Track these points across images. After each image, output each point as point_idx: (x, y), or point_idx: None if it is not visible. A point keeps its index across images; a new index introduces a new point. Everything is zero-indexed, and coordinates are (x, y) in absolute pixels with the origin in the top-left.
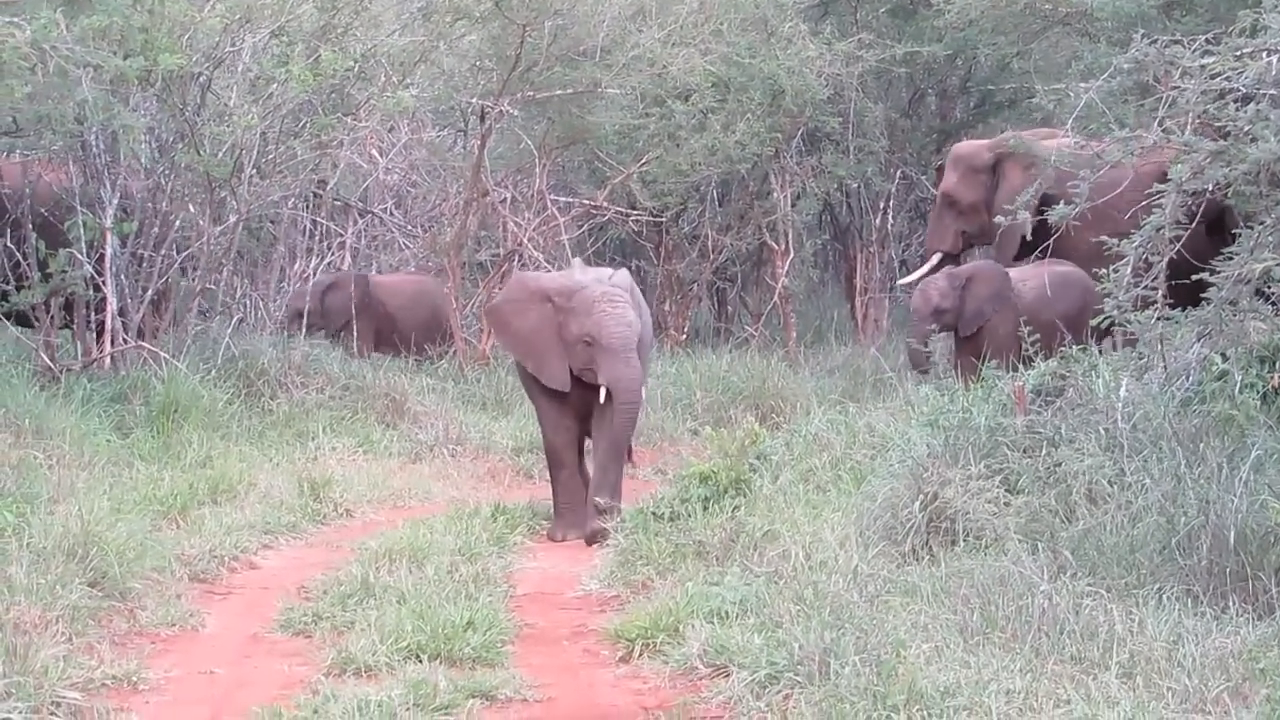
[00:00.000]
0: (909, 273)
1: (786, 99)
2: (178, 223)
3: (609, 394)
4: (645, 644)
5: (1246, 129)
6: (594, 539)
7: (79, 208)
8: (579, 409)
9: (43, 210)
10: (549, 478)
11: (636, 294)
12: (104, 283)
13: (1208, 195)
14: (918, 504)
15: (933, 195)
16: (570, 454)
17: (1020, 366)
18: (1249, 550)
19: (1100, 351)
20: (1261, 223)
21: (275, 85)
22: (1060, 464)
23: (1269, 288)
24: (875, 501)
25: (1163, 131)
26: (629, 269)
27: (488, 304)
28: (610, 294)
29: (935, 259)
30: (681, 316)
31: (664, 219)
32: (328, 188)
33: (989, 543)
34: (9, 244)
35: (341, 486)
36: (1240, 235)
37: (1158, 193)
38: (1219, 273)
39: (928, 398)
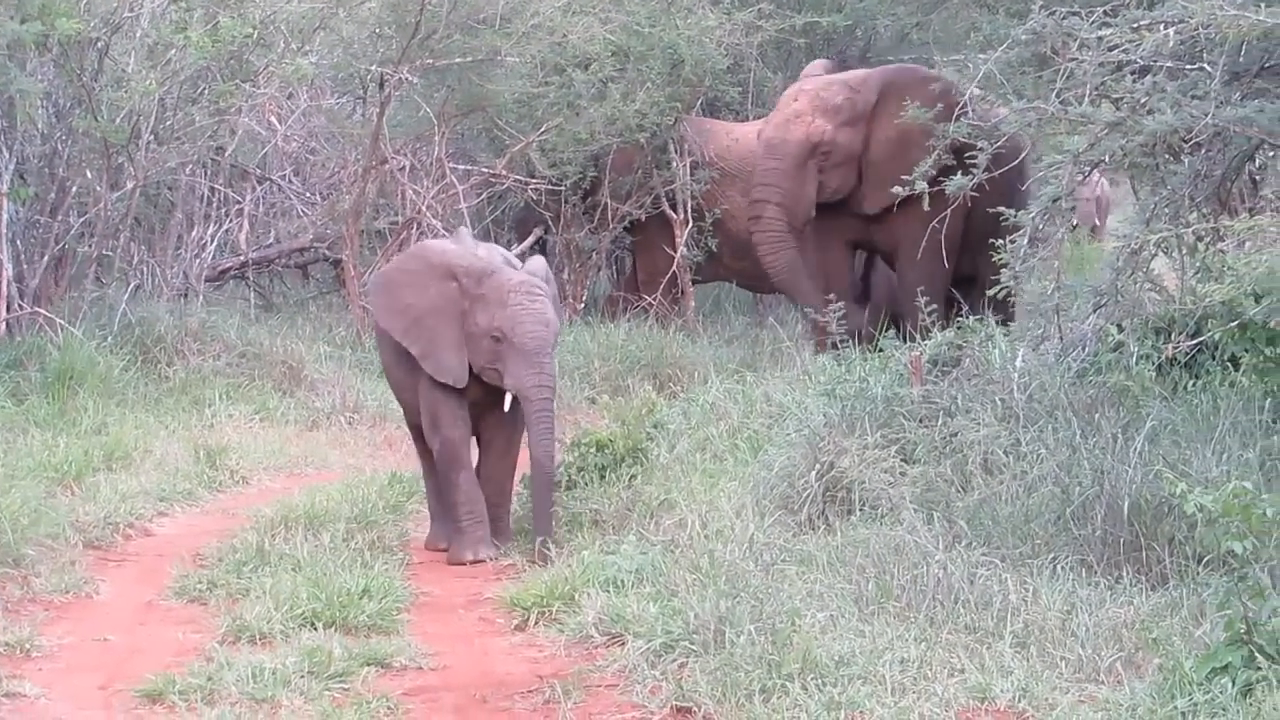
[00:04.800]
0: None
1: (686, 68)
2: (75, 189)
3: (514, 401)
4: (541, 612)
5: (1143, 101)
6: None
7: None
8: (474, 400)
9: None
10: (440, 486)
11: (552, 284)
12: None
13: None
14: (814, 473)
15: None
16: (467, 453)
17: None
18: (1143, 520)
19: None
20: (1158, 194)
21: (174, 51)
22: (956, 434)
23: (1167, 256)
24: (772, 471)
25: (1060, 103)
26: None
27: (378, 272)
28: (529, 284)
29: None
30: (580, 285)
31: (563, 187)
32: (226, 154)
33: (884, 512)
34: None
35: (238, 454)
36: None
37: None
38: (1116, 244)
39: (825, 367)
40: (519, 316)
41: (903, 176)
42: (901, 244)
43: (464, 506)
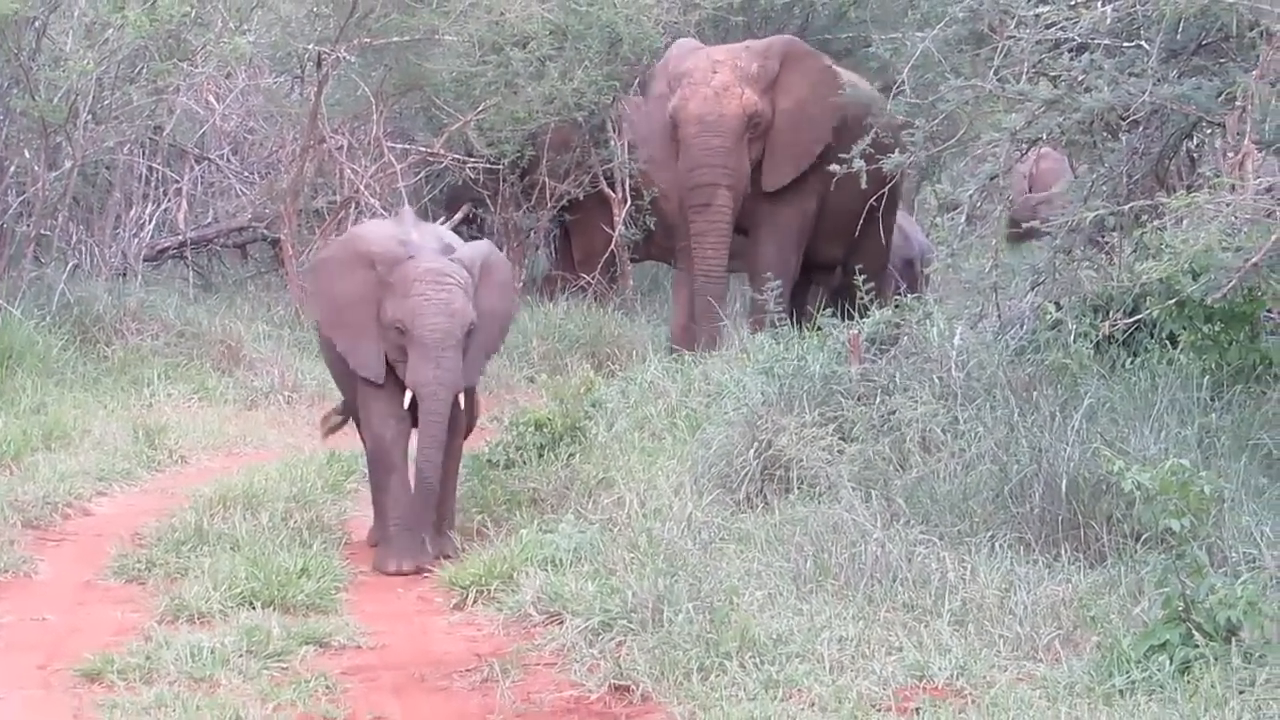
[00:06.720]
0: None
1: (624, 47)
2: (12, 168)
3: (414, 399)
4: (479, 591)
5: (1081, 78)
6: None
7: None
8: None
9: None
10: (370, 486)
11: (498, 271)
12: None
13: None
14: (752, 451)
15: None
16: (400, 454)
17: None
18: (1081, 498)
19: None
20: (1096, 172)
21: (111, 30)
22: (894, 412)
23: (1102, 236)
24: (710, 449)
25: (998, 81)
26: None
27: (316, 258)
28: (436, 272)
29: None
30: (518, 265)
31: (501, 166)
32: (164, 134)
33: (823, 490)
34: None
35: (176, 433)
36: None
37: None
38: (1052, 221)
39: (763, 346)
40: (420, 307)
41: (802, 153)
42: (760, 225)
43: (394, 512)
